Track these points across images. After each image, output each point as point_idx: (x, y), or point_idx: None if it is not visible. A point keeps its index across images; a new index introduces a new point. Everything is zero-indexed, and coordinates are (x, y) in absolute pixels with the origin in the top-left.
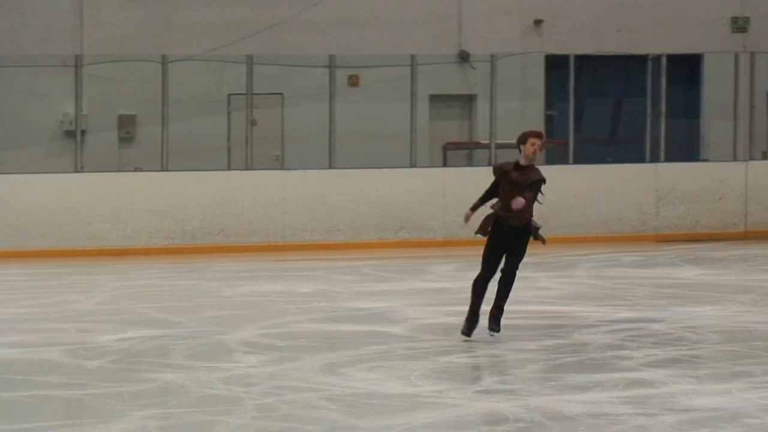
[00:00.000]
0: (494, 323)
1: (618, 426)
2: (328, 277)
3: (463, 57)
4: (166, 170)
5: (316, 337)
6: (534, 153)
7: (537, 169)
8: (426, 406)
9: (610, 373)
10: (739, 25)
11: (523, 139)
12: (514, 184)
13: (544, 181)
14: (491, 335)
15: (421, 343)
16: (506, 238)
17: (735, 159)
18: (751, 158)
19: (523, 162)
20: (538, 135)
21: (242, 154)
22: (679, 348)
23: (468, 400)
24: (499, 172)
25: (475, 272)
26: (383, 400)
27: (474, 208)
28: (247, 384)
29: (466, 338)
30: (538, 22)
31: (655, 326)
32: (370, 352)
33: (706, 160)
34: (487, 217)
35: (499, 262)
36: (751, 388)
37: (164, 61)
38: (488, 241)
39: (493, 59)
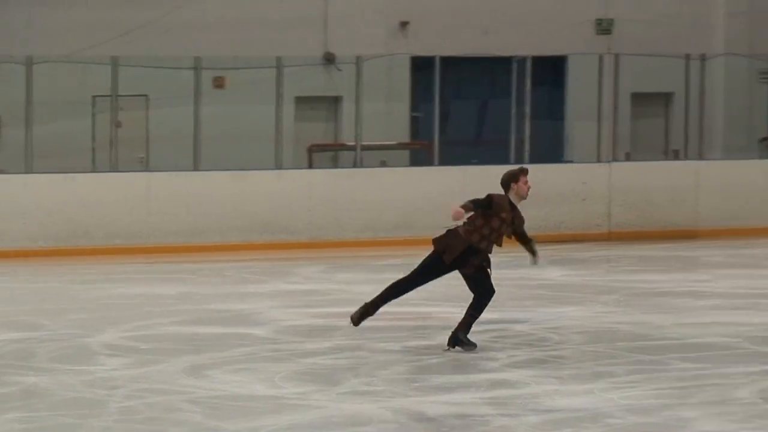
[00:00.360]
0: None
1: (481, 427)
2: (193, 280)
3: (329, 59)
4: (31, 172)
5: (180, 339)
6: (528, 192)
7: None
8: (290, 407)
9: (474, 374)
10: (603, 27)
11: (514, 177)
12: (506, 229)
13: None
14: (450, 349)
15: (285, 345)
16: (459, 264)
17: (599, 160)
18: (615, 160)
19: (515, 201)
20: (527, 172)
21: (107, 155)
22: (543, 349)
23: (332, 402)
24: (498, 208)
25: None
26: (247, 402)
27: (466, 210)
28: (111, 387)
29: (353, 325)
30: (403, 24)
31: (519, 327)
32: (235, 354)
33: (570, 162)
34: (458, 242)
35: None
36: (613, 388)
37: (28, 62)
38: (441, 260)
39: (358, 61)
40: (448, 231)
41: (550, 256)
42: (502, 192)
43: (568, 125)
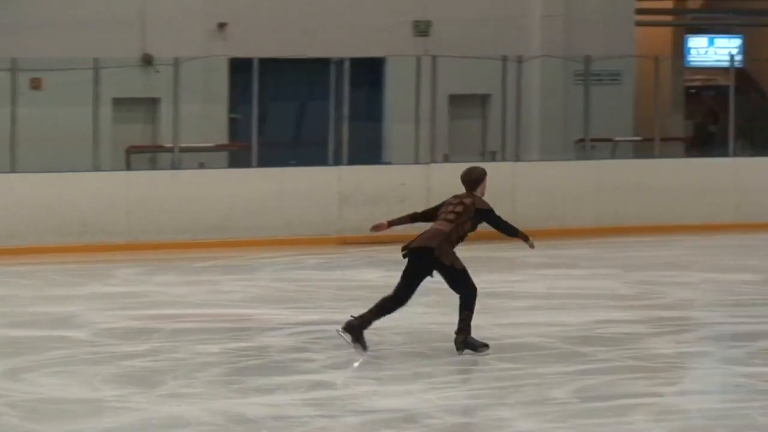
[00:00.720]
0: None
1: (300, 428)
2: (10, 282)
3: (147, 60)
4: None
5: None
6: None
7: None
8: (109, 410)
9: (293, 376)
10: (421, 29)
11: (485, 176)
12: None
13: None
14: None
15: (103, 348)
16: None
17: (417, 162)
18: (433, 161)
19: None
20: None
21: None
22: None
23: (151, 404)
24: None
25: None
26: (66, 405)
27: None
28: None
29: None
30: (221, 26)
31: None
32: (53, 357)
33: (389, 163)
34: (451, 248)
35: None
36: (431, 388)
37: None
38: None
39: (176, 62)
40: (444, 237)
41: (369, 257)
42: (463, 190)
43: (387, 127)
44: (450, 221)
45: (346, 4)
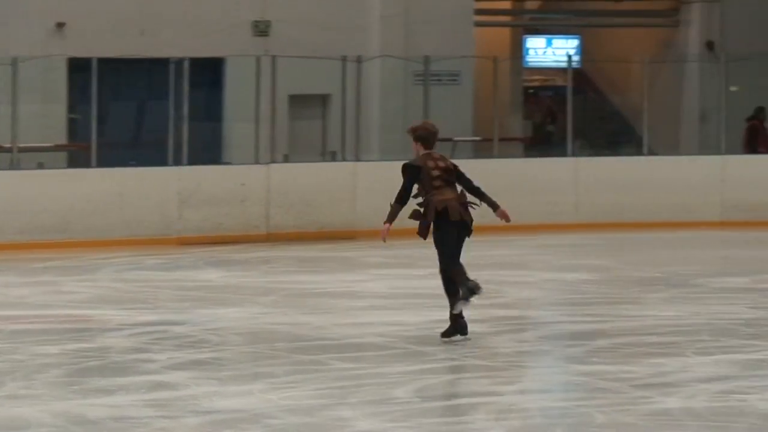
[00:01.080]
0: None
1: (141, 429)
2: None
3: None
4: None
5: None
6: None
7: None
8: None
9: (134, 377)
10: (261, 29)
11: None
12: None
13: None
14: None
15: None
16: None
17: (257, 162)
18: (273, 161)
19: None
20: None
21: None
22: (202, 350)
23: None
24: None
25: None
26: None
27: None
28: None
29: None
30: (60, 25)
31: (178, 329)
32: None
33: (229, 163)
34: None
35: None
36: (272, 388)
37: None
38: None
39: (14, 62)
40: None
41: (209, 257)
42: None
43: (227, 127)
44: (456, 188)
45: (185, 5)
